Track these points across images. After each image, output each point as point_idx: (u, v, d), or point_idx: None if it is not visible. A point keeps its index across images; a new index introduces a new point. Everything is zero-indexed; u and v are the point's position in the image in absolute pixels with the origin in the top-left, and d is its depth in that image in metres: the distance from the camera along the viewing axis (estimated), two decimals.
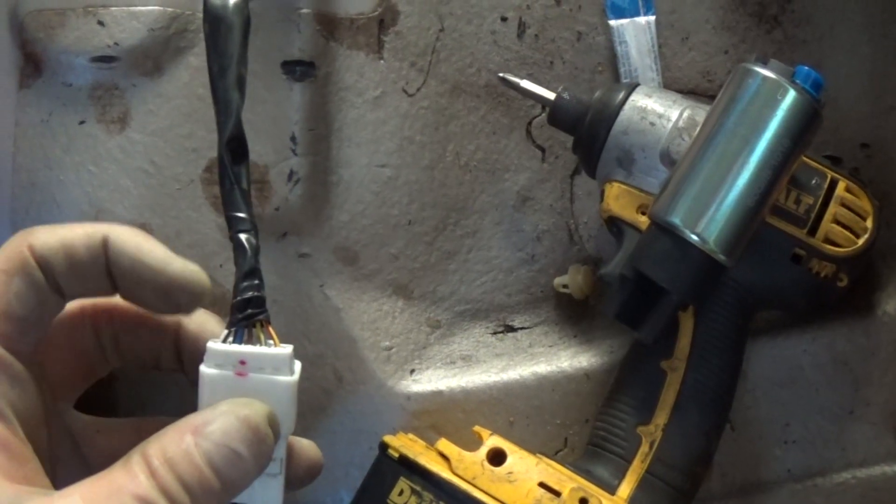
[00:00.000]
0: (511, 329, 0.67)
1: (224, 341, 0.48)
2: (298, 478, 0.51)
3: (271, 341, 0.48)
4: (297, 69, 0.62)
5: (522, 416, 0.63)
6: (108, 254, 0.48)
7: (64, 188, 0.61)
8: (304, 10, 0.61)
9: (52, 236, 0.48)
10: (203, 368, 0.47)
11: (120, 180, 0.61)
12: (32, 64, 0.61)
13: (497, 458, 0.56)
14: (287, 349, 0.48)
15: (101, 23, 0.60)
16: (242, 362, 0.47)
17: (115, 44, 0.60)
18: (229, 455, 0.43)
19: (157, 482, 0.41)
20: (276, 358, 0.48)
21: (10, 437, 0.44)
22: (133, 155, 0.61)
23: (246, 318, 0.48)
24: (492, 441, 0.56)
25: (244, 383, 0.47)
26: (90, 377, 0.53)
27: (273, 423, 0.46)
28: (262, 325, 0.49)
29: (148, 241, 0.49)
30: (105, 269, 0.48)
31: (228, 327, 0.48)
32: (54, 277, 0.48)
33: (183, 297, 0.49)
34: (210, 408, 0.45)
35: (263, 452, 0.45)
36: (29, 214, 0.61)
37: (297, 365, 0.49)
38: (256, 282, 0.49)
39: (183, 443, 0.43)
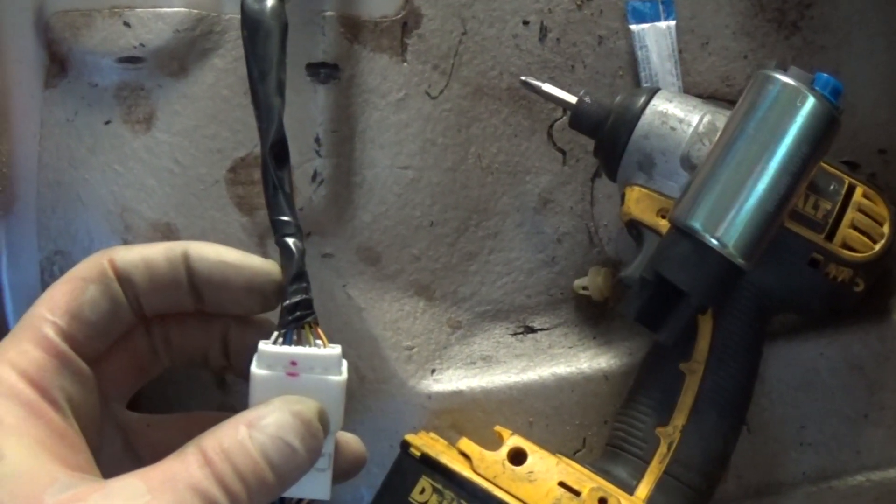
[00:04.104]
0: (531, 330, 0.67)
1: (274, 342, 0.48)
2: (344, 471, 0.52)
3: (319, 342, 0.49)
4: (322, 71, 0.62)
5: (542, 416, 0.63)
6: (189, 263, 0.50)
7: (89, 187, 0.61)
8: (329, 13, 0.62)
9: (133, 253, 0.50)
10: (254, 369, 0.48)
11: (145, 180, 0.61)
12: (58, 64, 0.61)
13: (518, 457, 0.56)
14: (336, 349, 0.49)
15: (126, 24, 0.60)
16: (293, 363, 0.48)
17: (141, 45, 0.60)
18: (283, 448, 0.44)
19: (212, 472, 0.42)
20: (326, 359, 0.48)
21: (66, 429, 0.45)
22: (158, 155, 0.61)
23: (295, 319, 0.49)
24: (512, 441, 0.57)
25: (295, 383, 0.47)
26: (143, 377, 0.54)
27: (323, 418, 0.47)
28: (310, 327, 0.49)
29: (224, 246, 0.51)
30: (187, 280, 0.50)
31: (278, 329, 0.49)
32: (135, 293, 0.49)
33: (269, 285, 0.50)
34: (263, 404, 0.45)
35: (315, 447, 0.45)
36: (55, 213, 0.61)
37: (345, 364, 0.49)
38: (304, 284, 0.50)
39: (238, 435, 0.43)
